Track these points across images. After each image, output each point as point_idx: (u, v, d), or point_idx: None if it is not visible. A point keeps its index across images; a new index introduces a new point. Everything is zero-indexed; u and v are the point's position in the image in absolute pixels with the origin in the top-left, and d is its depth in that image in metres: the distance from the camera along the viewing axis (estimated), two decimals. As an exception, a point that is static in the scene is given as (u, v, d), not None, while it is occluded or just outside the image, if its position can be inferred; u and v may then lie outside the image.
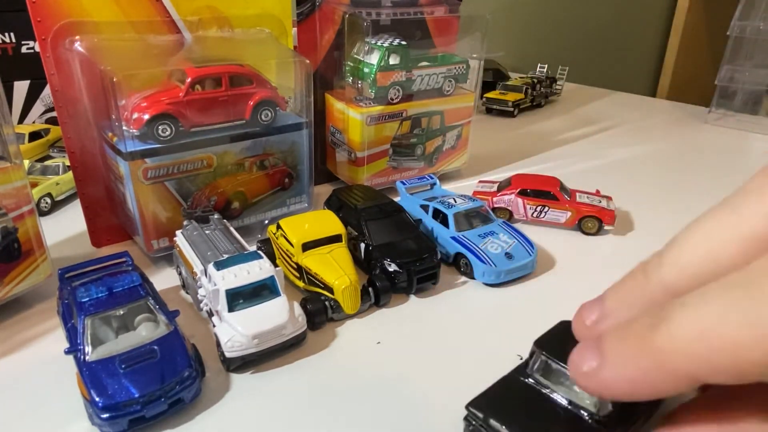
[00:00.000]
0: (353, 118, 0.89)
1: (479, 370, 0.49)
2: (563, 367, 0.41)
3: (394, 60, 0.87)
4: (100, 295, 0.54)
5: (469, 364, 0.57)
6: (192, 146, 0.70)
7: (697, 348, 0.28)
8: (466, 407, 0.43)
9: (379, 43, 0.87)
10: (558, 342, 0.44)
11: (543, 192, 0.86)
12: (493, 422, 0.41)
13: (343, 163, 0.96)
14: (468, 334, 0.62)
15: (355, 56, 0.90)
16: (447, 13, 0.95)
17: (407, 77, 0.89)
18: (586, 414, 0.41)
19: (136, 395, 0.46)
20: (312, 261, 0.65)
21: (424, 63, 0.91)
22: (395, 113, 0.91)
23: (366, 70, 0.87)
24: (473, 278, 0.71)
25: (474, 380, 0.46)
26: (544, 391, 0.43)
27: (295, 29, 0.88)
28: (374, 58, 0.87)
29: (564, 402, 0.42)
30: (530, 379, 0.44)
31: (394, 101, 0.90)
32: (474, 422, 0.43)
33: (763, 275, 0.27)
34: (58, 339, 0.59)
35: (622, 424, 0.41)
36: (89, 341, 0.50)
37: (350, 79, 0.91)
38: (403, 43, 0.88)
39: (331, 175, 1.01)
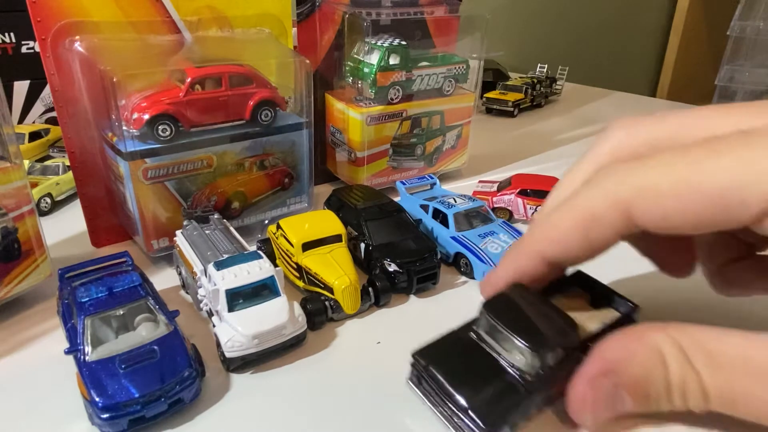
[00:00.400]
0: (353, 118, 0.89)
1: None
2: (505, 330, 0.44)
3: (394, 60, 0.87)
4: (100, 295, 0.54)
5: (469, 364, 0.57)
6: (192, 146, 0.70)
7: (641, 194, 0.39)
8: (412, 355, 0.47)
9: (379, 43, 0.87)
10: (504, 304, 0.47)
11: (543, 192, 0.86)
12: (432, 369, 0.45)
13: (343, 163, 0.96)
14: (468, 334, 0.62)
15: (355, 56, 0.90)
16: (447, 13, 0.95)
17: (407, 77, 0.89)
18: (518, 374, 0.44)
19: (136, 395, 0.46)
20: (312, 261, 0.65)
21: (424, 63, 0.91)
22: (395, 113, 0.91)
23: (366, 70, 0.87)
24: (473, 278, 0.71)
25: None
26: (485, 347, 0.46)
27: (295, 29, 0.88)
28: (374, 58, 0.87)
29: (502, 362, 0.45)
30: (474, 335, 0.47)
31: (394, 101, 0.90)
32: (416, 369, 0.47)
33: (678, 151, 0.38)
34: (58, 339, 0.59)
35: (549, 387, 0.44)
36: (89, 341, 0.50)
37: (350, 79, 0.91)
38: (403, 43, 0.88)
39: (331, 175, 1.01)
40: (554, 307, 0.47)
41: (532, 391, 0.43)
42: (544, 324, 0.45)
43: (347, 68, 0.91)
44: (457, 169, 1.04)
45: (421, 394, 0.47)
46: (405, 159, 0.97)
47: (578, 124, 1.47)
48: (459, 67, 0.94)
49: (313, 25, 0.90)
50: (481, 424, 0.41)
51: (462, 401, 0.42)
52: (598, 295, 0.55)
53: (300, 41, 0.90)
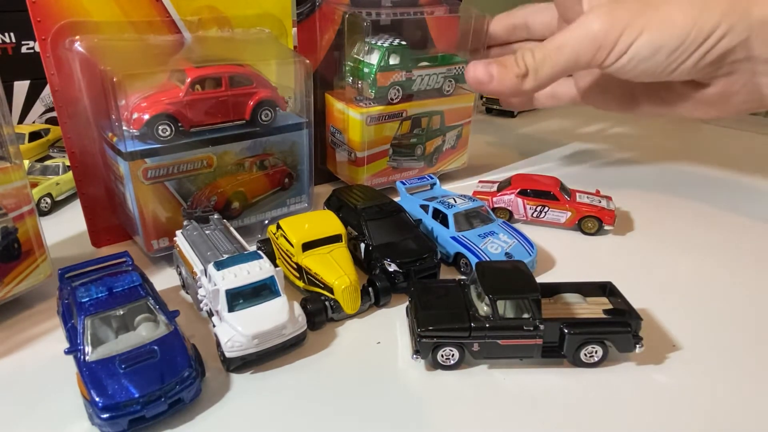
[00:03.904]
0: (353, 118, 0.89)
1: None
2: (479, 286, 0.57)
3: (394, 60, 0.87)
4: (100, 295, 0.54)
5: (469, 364, 0.57)
6: (192, 146, 0.70)
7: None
8: (409, 283, 0.64)
9: (378, 43, 0.87)
10: (490, 272, 0.59)
11: (543, 192, 0.86)
12: (415, 294, 0.60)
13: (343, 163, 0.96)
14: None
15: (355, 56, 0.89)
16: (447, 13, 0.95)
17: (407, 77, 0.89)
18: (476, 316, 0.56)
19: (136, 395, 0.46)
20: (312, 261, 0.65)
21: (424, 63, 0.91)
22: (395, 113, 0.91)
23: (366, 70, 0.87)
24: (473, 278, 0.71)
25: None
26: (461, 295, 0.59)
27: (295, 29, 0.88)
28: (374, 58, 0.87)
29: (470, 308, 0.57)
30: (460, 285, 0.61)
31: (394, 101, 0.90)
32: (409, 298, 0.61)
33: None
34: (58, 339, 0.59)
35: (494, 335, 0.55)
36: (89, 341, 0.50)
37: (350, 79, 0.91)
38: (403, 43, 0.88)
39: (331, 175, 1.01)
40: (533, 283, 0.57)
41: (479, 330, 0.55)
42: (512, 286, 0.56)
43: (347, 68, 0.91)
44: (457, 169, 1.05)
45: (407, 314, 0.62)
46: (405, 159, 0.97)
47: (578, 124, 1.47)
48: (459, 68, 0.94)
49: (313, 25, 0.90)
50: (418, 331, 0.55)
51: (421, 317, 0.57)
52: (615, 302, 0.60)
53: (300, 41, 0.90)
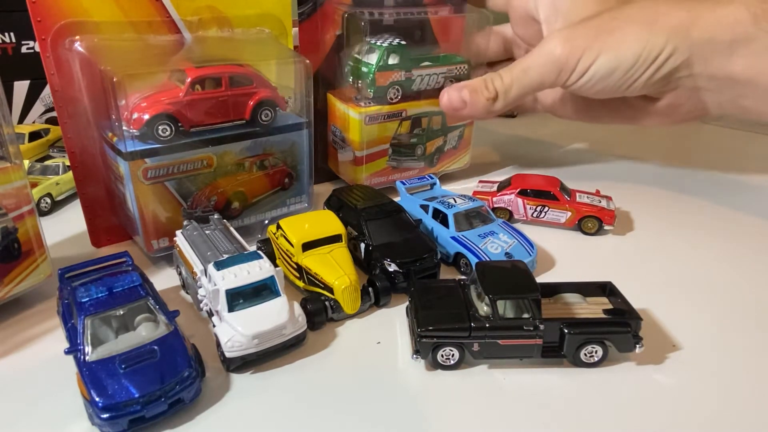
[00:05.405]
0: (352, 118, 0.89)
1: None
2: (479, 286, 0.57)
3: (393, 60, 0.87)
4: (100, 295, 0.54)
5: (469, 364, 0.57)
6: (192, 146, 0.70)
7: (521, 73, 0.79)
8: (409, 284, 0.63)
9: (378, 43, 0.87)
10: (490, 272, 0.59)
11: (543, 192, 0.86)
12: (415, 294, 0.60)
13: (343, 163, 0.96)
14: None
15: (356, 56, 0.89)
16: (451, 13, 0.94)
17: (407, 77, 0.89)
18: (476, 316, 0.56)
19: (136, 395, 0.46)
20: (312, 261, 0.65)
21: (426, 63, 0.91)
22: (394, 113, 0.91)
23: (365, 69, 0.87)
24: (473, 278, 0.71)
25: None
26: (461, 294, 0.59)
27: (296, 29, 0.88)
28: (373, 58, 0.87)
29: (470, 308, 0.57)
30: (460, 285, 0.61)
31: (393, 101, 0.90)
32: (410, 298, 0.61)
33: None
34: (58, 339, 0.59)
35: (494, 335, 0.55)
36: (89, 341, 0.50)
37: (351, 79, 0.91)
38: (403, 42, 0.88)
39: (333, 174, 1.01)
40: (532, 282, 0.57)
41: (479, 330, 0.55)
42: (512, 286, 0.56)
43: (348, 68, 0.91)
44: (459, 169, 1.05)
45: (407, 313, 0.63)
46: (405, 159, 0.97)
47: (578, 124, 1.46)
48: (460, 68, 0.94)
49: (314, 24, 0.90)
50: (418, 332, 0.55)
51: (421, 317, 0.57)
52: (615, 302, 0.61)
53: (301, 41, 0.90)
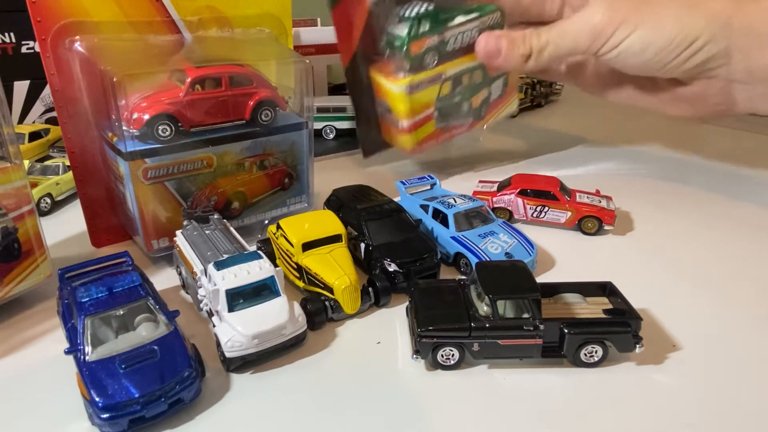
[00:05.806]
0: (395, 90, 0.88)
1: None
2: (479, 286, 0.57)
3: (423, 27, 0.85)
4: (100, 295, 0.54)
5: (469, 364, 0.57)
6: (192, 146, 0.70)
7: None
8: (409, 284, 0.64)
9: (406, 14, 0.86)
10: (490, 272, 0.59)
11: (543, 192, 0.86)
12: (415, 294, 0.61)
13: (395, 132, 0.94)
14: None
15: (389, 30, 0.88)
16: None
17: (440, 40, 0.87)
18: (475, 316, 0.56)
19: (136, 395, 0.46)
20: (312, 261, 0.65)
21: (458, 19, 0.88)
22: (434, 77, 0.89)
23: (398, 43, 0.86)
24: (473, 278, 0.71)
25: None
26: (461, 294, 0.59)
27: (330, 13, 0.86)
28: (404, 29, 0.85)
29: (469, 307, 0.57)
30: (459, 285, 0.61)
31: (431, 66, 0.88)
32: (410, 298, 0.62)
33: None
34: (58, 339, 0.59)
35: (494, 335, 0.55)
36: (89, 341, 0.50)
37: (387, 52, 0.90)
38: (431, 8, 0.86)
39: (387, 143, 0.98)
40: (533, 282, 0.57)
41: (479, 330, 0.55)
42: (512, 286, 0.56)
43: (384, 42, 0.89)
44: (509, 116, 1.02)
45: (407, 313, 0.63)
46: (452, 118, 0.95)
47: (578, 124, 1.47)
48: (493, 17, 0.91)
49: (345, 6, 0.89)
50: (418, 332, 0.55)
51: (421, 317, 0.57)
52: (615, 302, 0.61)
53: (336, 24, 0.88)
